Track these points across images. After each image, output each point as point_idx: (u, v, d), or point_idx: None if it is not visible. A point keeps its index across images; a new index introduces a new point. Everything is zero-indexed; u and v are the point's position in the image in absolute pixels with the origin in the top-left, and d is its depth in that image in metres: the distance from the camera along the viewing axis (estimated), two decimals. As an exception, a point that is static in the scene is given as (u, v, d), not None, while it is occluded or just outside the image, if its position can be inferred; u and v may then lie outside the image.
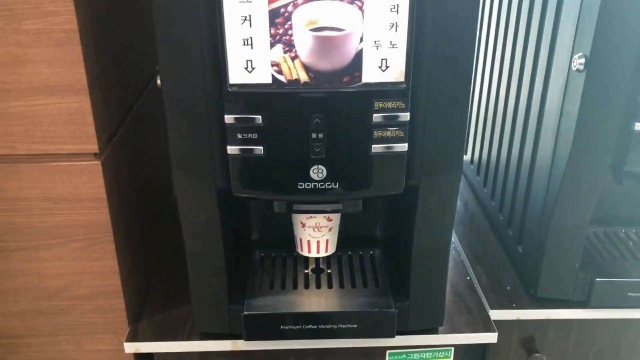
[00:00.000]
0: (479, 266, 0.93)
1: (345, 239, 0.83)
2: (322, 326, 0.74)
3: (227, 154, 0.64)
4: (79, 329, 0.79)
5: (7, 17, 0.62)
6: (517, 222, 0.91)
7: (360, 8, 0.58)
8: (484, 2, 1.05)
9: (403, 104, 0.62)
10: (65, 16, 0.63)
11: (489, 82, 1.04)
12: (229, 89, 0.61)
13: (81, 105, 0.67)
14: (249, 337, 0.75)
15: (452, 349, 0.82)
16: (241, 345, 0.77)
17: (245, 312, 0.73)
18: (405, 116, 0.63)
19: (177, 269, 0.88)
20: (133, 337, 0.78)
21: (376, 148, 0.64)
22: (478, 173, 1.11)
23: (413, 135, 0.64)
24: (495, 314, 0.83)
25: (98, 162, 0.70)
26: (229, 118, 0.62)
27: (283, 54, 0.60)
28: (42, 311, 0.78)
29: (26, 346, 0.81)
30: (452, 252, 0.90)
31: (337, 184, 0.65)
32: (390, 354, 0.82)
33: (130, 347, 0.77)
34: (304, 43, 0.59)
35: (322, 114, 0.62)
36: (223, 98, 0.61)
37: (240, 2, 0.57)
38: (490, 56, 1.03)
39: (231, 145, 0.63)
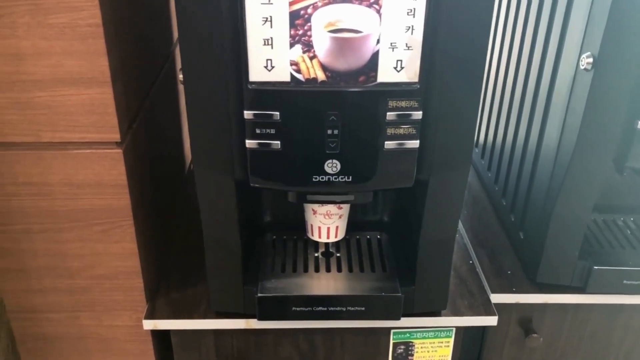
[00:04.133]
0: (481, 249, 0.97)
1: (354, 223, 0.87)
2: (332, 308, 0.78)
3: (246, 148, 0.66)
4: (99, 305, 0.83)
5: (33, 11, 0.64)
6: (519, 209, 0.94)
7: (378, 11, 0.60)
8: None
9: (416, 103, 0.64)
10: (90, 11, 0.64)
11: (496, 71, 1.06)
12: (249, 87, 0.63)
13: (104, 96, 0.69)
14: (262, 318, 0.79)
15: (454, 329, 0.86)
16: (254, 324, 0.81)
17: (259, 294, 0.77)
18: (418, 114, 0.65)
19: (192, 249, 0.91)
20: (151, 315, 0.82)
21: (389, 144, 0.66)
22: (482, 157, 1.13)
23: (424, 132, 0.67)
24: (496, 298, 0.87)
25: (120, 150, 0.72)
26: (248, 114, 0.64)
27: (302, 54, 0.62)
28: (63, 289, 0.81)
29: (48, 321, 0.84)
30: (455, 237, 0.93)
31: (350, 177, 0.68)
32: (394, 333, 0.86)
33: (149, 324, 0.81)
34: (322, 44, 0.61)
35: (337, 111, 0.64)
36: (243, 95, 0.64)
37: (262, 3, 0.59)
38: (499, 48, 1.04)
39: (250, 139, 0.66)
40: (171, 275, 0.89)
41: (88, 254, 0.79)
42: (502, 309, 0.87)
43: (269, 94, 0.64)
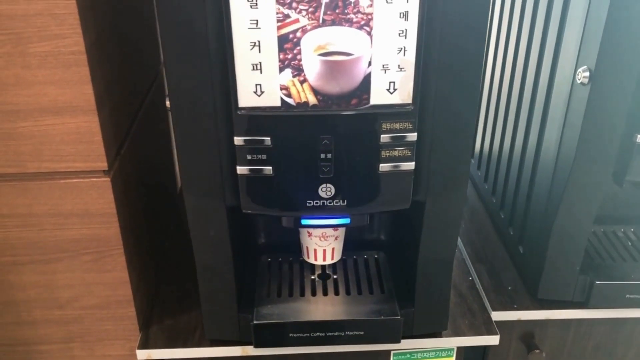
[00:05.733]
0: (481, 265, 0.95)
1: (350, 242, 0.85)
2: (330, 333, 0.76)
3: (237, 174, 0.65)
4: (91, 336, 0.81)
5: (14, 40, 0.62)
6: (518, 222, 0.92)
7: (369, 33, 0.58)
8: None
9: (410, 125, 0.63)
10: (72, 39, 0.62)
11: (490, 80, 1.04)
12: (239, 112, 0.61)
13: (89, 124, 0.67)
14: (259, 345, 0.77)
15: (455, 348, 0.84)
16: (251, 351, 0.79)
17: (254, 322, 0.75)
18: (413, 136, 0.63)
19: (185, 275, 0.89)
20: (145, 344, 0.79)
21: (384, 167, 0.65)
22: (479, 168, 1.12)
23: (420, 154, 0.65)
24: (497, 315, 0.85)
25: (107, 179, 0.70)
26: (238, 140, 0.63)
27: (292, 78, 0.60)
28: (54, 320, 0.79)
29: (39, 353, 0.82)
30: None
31: (345, 201, 0.66)
32: (394, 354, 0.84)
33: (143, 354, 0.79)
34: (312, 67, 0.60)
35: (330, 135, 0.63)
36: (233, 120, 0.62)
37: (249, 28, 0.57)
38: (492, 59, 1.03)
39: (241, 165, 0.64)
40: (165, 301, 0.87)
41: (78, 284, 0.77)
42: (503, 326, 0.86)
43: (259, 119, 0.62)
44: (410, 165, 0.65)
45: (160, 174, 0.99)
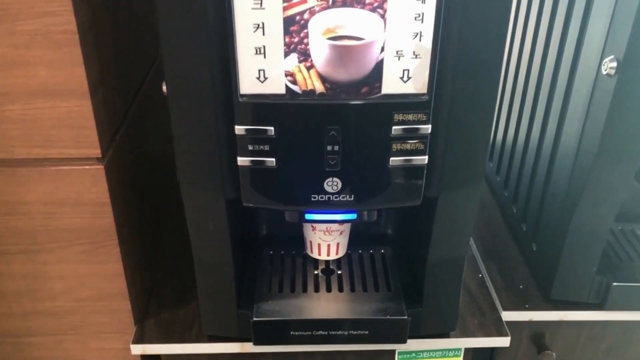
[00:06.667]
0: (491, 262, 0.91)
1: (355, 236, 0.81)
2: (333, 332, 0.72)
3: (238, 165, 0.61)
4: (85, 328, 0.78)
5: (1, 17, 0.58)
6: (532, 218, 0.88)
7: (382, 16, 0.54)
8: None
9: (425, 116, 0.58)
10: (63, 17, 0.58)
11: (506, 68, 0.99)
12: (240, 100, 0.57)
13: (82, 109, 0.63)
14: (258, 342, 0.73)
15: (462, 348, 0.81)
16: (250, 348, 0.76)
17: (254, 319, 0.72)
18: (427, 129, 0.59)
19: (182, 267, 0.86)
20: (140, 339, 0.76)
21: (394, 161, 0.60)
22: (491, 159, 1.08)
23: (434, 147, 0.61)
24: (508, 315, 0.82)
25: (101, 167, 0.67)
26: (239, 129, 0.59)
27: (298, 64, 0.56)
28: (46, 312, 0.76)
29: (30, 345, 0.79)
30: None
31: (352, 196, 0.62)
32: (399, 353, 0.81)
33: (138, 349, 0.76)
34: (320, 52, 0.55)
35: (338, 125, 0.58)
36: (233, 108, 0.58)
37: (252, 8, 0.53)
38: (509, 44, 0.98)
39: (241, 156, 0.60)
40: (162, 295, 0.83)
41: (71, 276, 0.74)
42: (513, 326, 0.82)
43: (262, 107, 0.58)
44: (422, 160, 0.61)
45: (159, 163, 0.95)
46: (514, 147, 0.95)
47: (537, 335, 0.86)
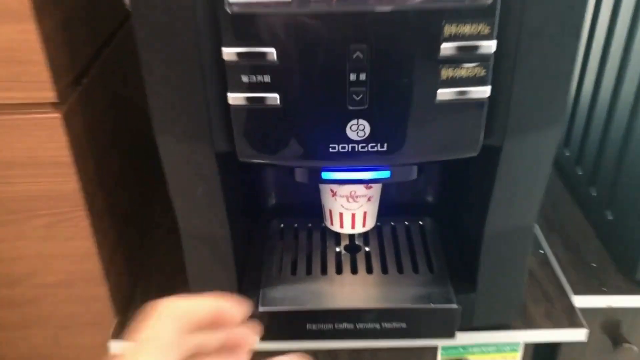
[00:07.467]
0: (554, 235, 0.77)
1: (387, 204, 0.67)
2: (360, 325, 0.59)
3: (229, 105, 0.46)
4: (53, 320, 0.66)
5: None
6: (605, 180, 0.74)
7: None
8: None
9: (487, 29, 0.43)
10: None
11: None
12: (229, 10, 0.42)
13: (26, 36, 0.49)
14: (266, 338, 0.59)
15: (522, 342, 0.67)
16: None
17: (260, 309, 0.58)
18: (489, 47, 0.44)
19: (175, 246, 0.72)
20: (120, 333, 0.63)
21: (444, 94, 0.46)
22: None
23: (498, 75, 0.46)
24: (581, 301, 0.68)
25: (57, 115, 0.53)
26: (229, 53, 0.44)
27: (307, -46, 0.40)
28: (3, 301, 0.64)
29: (-9, 340, 0.66)
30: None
31: (385, 145, 0.48)
32: (443, 348, 0.67)
33: (117, 346, 0.62)
34: None
35: (365, 44, 0.44)
36: (219, 24, 0.43)
37: None
38: None
39: (233, 92, 0.46)
40: (151, 279, 0.71)
41: (30, 256, 0.61)
42: (585, 314, 0.68)
43: (260, 21, 0.43)
44: (483, 92, 0.46)
45: (146, 113, 0.81)
46: (578, 92, 0.79)
47: (611, 325, 0.72)
